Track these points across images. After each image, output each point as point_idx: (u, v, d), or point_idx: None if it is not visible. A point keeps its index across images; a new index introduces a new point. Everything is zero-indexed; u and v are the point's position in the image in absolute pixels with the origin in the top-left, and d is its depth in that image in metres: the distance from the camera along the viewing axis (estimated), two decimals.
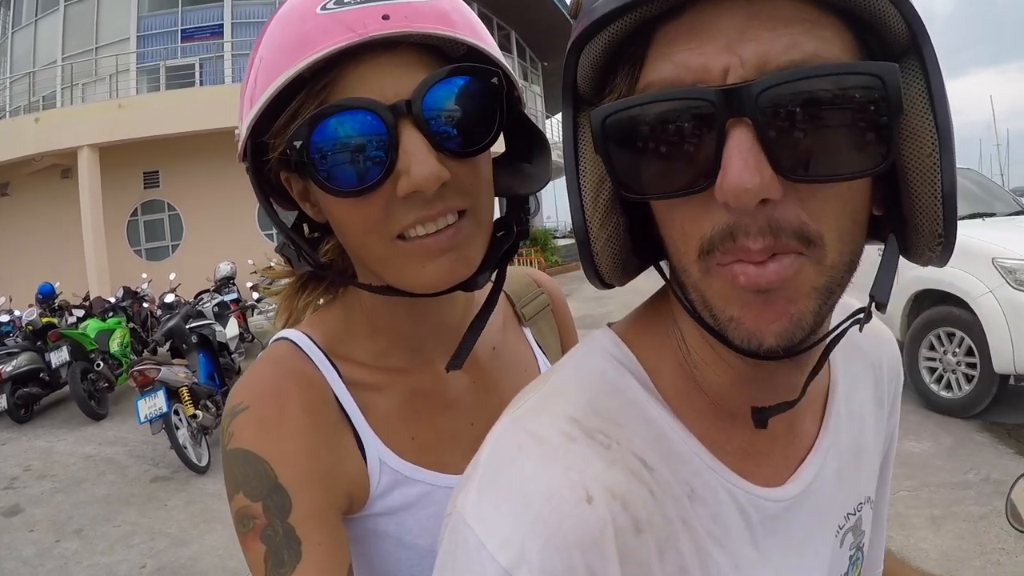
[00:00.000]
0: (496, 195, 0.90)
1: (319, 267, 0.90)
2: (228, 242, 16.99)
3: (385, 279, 0.84)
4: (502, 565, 0.55)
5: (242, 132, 0.82)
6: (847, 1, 0.51)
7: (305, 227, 0.96)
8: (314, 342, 0.92)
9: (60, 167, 18.38)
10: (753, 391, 0.65)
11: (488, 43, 0.83)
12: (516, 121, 0.90)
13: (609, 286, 0.67)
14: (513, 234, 0.91)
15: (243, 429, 0.83)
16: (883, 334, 0.88)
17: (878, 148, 0.51)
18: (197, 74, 19.07)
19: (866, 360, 0.83)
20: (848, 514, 0.76)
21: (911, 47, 0.54)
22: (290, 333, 0.94)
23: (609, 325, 0.72)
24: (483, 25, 0.85)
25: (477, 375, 1.02)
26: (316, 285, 0.99)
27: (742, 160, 0.49)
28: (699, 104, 0.51)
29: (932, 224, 0.56)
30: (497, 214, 0.93)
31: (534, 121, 0.94)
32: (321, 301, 1.00)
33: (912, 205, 0.57)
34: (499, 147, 0.91)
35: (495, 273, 0.92)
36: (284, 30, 0.77)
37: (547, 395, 0.66)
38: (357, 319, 0.95)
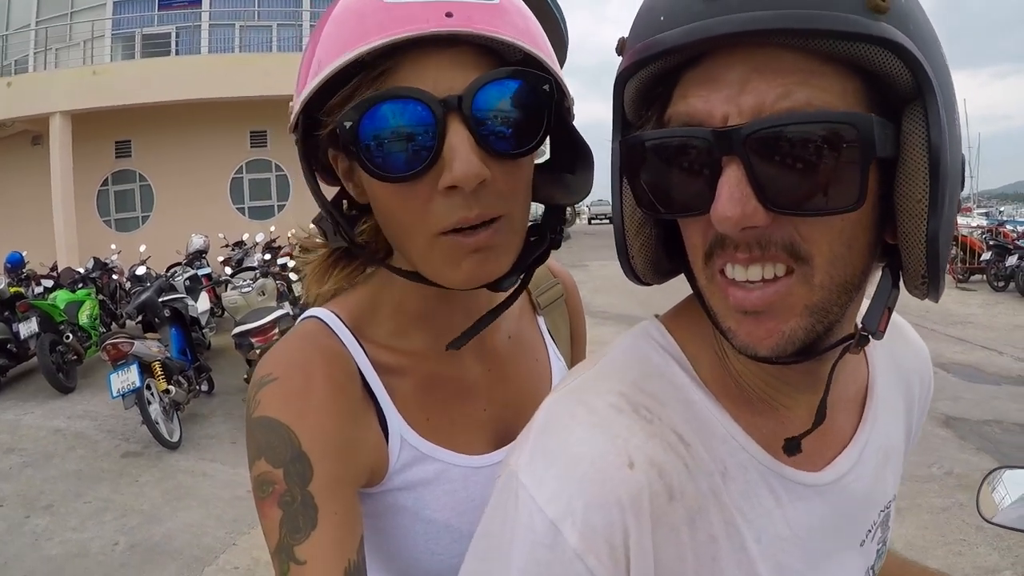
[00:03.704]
0: (535, 201, 0.93)
1: (353, 244, 0.93)
2: (199, 215, 16.76)
3: (419, 270, 0.87)
4: (549, 517, 0.62)
5: (296, 106, 0.85)
6: (848, 54, 0.56)
7: (344, 204, 0.99)
8: (342, 321, 0.95)
9: (31, 133, 17.97)
10: (776, 383, 0.72)
11: (546, 52, 0.85)
12: (564, 131, 0.93)
13: (645, 283, 0.76)
14: (546, 241, 0.94)
15: (269, 398, 0.86)
16: (916, 343, 0.95)
17: (852, 189, 0.57)
18: (173, 43, 18.66)
19: (900, 368, 0.90)
20: (880, 511, 0.82)
21: (918, 94, 0.58)
22: (319, 312, 0.96)
23: (656, 316, 0.79)
24: (543, 34, 0.88)
25: (492, 363, 1.05)
26: (347, 263, 1.01)
27: (728, 193, 0.57)
28: (697, 141, 0.60)
29: (917, 263, 0.61)
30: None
31: None
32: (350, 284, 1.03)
33: (901, 244, 0.62)
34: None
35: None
36: (352, 13, 0.80)
37: (599, 373, 0.73)
38: (385, 300, 0.98)
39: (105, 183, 18.94)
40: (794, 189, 0.57)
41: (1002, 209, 64.10)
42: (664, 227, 0.73)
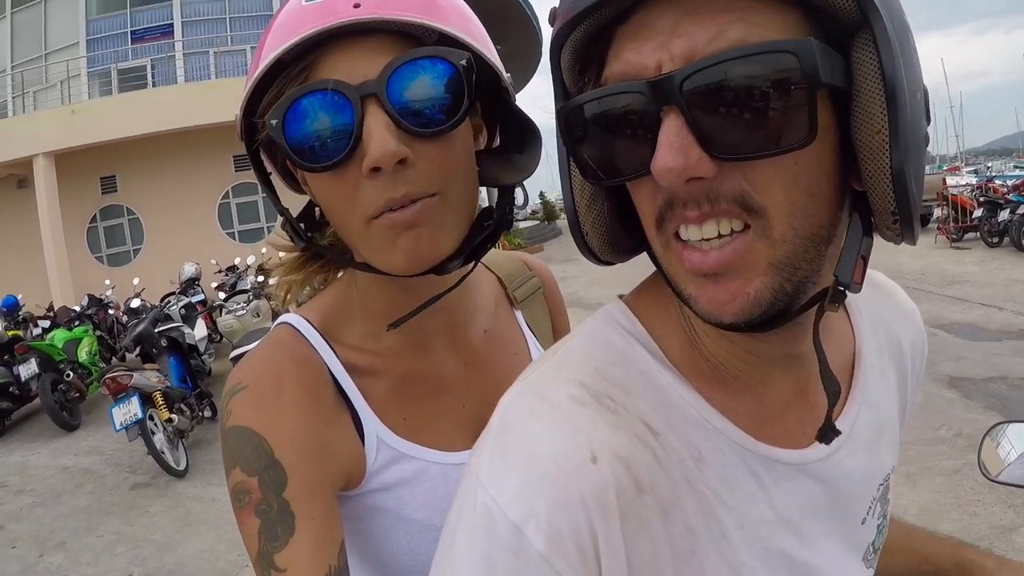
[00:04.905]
0: (483, 185, 0.92)
1: (309, 243, 0.94)
2: (190, 243, 16.77)
3: (366, 260, 0.87)
4: (512, 519, 0.58)
5: (238, 116, 0.87)
6: None
7: (317, 211, 0.99)
8: (313, 326, 0.95)
9: (16, 177, 17.99)
10: (750, 359, 0.68)
11: (470, 31, 0.86)
12: (508, 113, 0.94)
13: (606, 262, 0.73)
14: (498, 224, 0.93)
15: (241, 407, 0.86)
16: (906, 306, 0.91)
17: (802, 124, 0.52)
18: (149, 75, 18.68)
19: (890, 334, 0.85)
20: (879, 485, 0.78)
21: (864, 21, 0.53)
22: (290, 318, 0.96)
23: (620, 296, 0.75)
24: (467, 16, 0.88)
25: (469, 358, 1.04)
26: (314, 264, 1.02)
27: (668, 143, 0.53)
28: (632, 96, 0.56)
29: (885, 201, 0.57)
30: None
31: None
32: (319, 284, 1.04)
33: (867, 183, 0.57)
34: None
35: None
36: (277, 24, 0.83)
37: (558, 362, 0.69)
38: (354, 302, 0.98)
39: (94, 220, 18.93)
40: (738, 132, 0.53)
41: (989, 165, 64.19)
42: (618, 200, 0.69)
